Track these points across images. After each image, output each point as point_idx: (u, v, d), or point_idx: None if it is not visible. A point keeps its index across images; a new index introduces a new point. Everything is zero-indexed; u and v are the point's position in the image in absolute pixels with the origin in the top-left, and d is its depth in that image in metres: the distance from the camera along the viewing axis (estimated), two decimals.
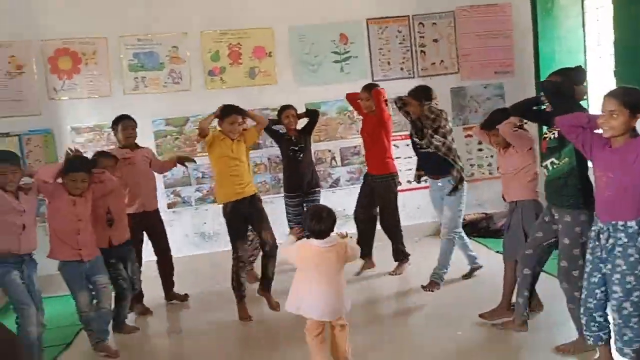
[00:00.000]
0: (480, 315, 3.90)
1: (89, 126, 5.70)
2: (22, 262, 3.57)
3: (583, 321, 2.96)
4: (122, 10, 5.71)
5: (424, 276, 4.67)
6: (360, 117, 5.47)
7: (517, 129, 3.74)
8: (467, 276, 4.84)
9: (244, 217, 4.41)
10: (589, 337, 2.96)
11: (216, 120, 4.48)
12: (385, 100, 5.05)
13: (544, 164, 3.38)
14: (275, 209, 6.06)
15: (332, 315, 3.22)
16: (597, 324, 2.91)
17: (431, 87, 4.83)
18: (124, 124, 4.63)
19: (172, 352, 4.19)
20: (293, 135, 5.24)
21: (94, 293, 3.95)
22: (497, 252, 4.84)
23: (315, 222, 3.18)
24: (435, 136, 4.47)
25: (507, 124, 3.70)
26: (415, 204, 6.46)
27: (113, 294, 4.20)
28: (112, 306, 4.16)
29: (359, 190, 5.36)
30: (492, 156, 6.55)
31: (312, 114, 5.39)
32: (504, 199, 4.02)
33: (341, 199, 6.25)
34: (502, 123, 3.72)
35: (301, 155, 5.24)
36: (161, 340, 4.38)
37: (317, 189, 5.41)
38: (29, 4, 5.51)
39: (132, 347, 4.13)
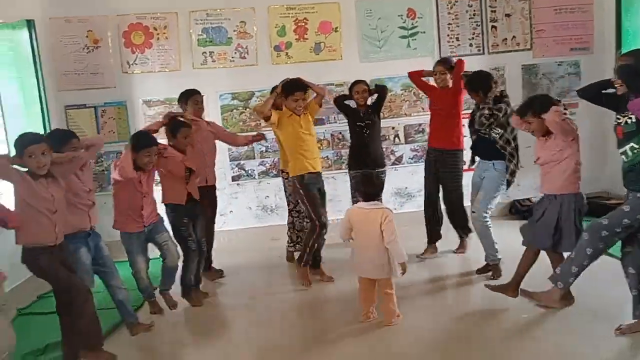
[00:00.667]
0: (486, 285, 4.03)
1: (160, 99, 5.89)
2: (88, 235, 3.68)
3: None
4: None
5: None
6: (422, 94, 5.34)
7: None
8: (482, 271, 4.58)
9: (317, 188, 4.60)
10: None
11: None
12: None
13: (622, 149, 3.23)
14: (337, 185, 6.11)
15: (373, 273, 3.66)
16: None
17: (490, 72, 4.63)
18: (194, 98, 4.72)
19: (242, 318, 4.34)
20: (362, 111, 5.19)
21: (159, 253, 4.17)
22: None
23: (365, 185, 3.77)
24: (495, 129, 4.31)
25: (554, 112, 3.51)
26: None
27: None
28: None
29: (424, 174, 5.20)
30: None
31: (381, 90, 5.29)
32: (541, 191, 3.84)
33: (404, 176, 6.20)
34: (548, 112, 3.53)
35: (368, 132, 5.16)
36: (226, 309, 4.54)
37: (382, 170, 5.28)
38: None
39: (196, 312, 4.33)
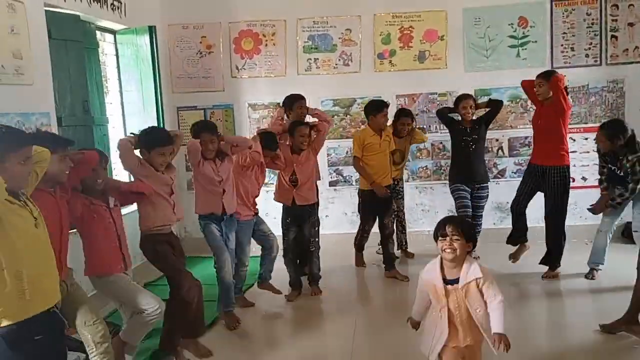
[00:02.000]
0: (601, 327, 3.62)
1: (264, 103, 6.09)
2: (222, 219, 4.01)
3: None
4: None
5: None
6: (534, 107, 5.14)
7: None
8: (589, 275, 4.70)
9: (377, 203, 4.93)
10: None
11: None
12: (565, 88, 4.66)
13: None
14: (434, 196, 6.01)
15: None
16: None
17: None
18: (299, 103, 4.80)
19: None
20: (468, 126, 5.11)
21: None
22: None
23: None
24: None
25: None
26: (589, 202, 5.89)
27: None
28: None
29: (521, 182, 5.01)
30: None
31: (496, 105, 5.18)
32: None
33: (505, 190, 5.91)
34: None
35: (473, 147, 5.10)
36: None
37: (485, 185, 5.22)
38: None
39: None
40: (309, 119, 4.87)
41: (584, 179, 5.92)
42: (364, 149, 4.82)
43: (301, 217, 4.60)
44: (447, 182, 5.51)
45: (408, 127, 5.21)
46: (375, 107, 4.82)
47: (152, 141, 3.42)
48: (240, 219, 4.21)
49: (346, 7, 5.97)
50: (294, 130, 4.51)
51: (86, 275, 3.15)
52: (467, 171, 5.12)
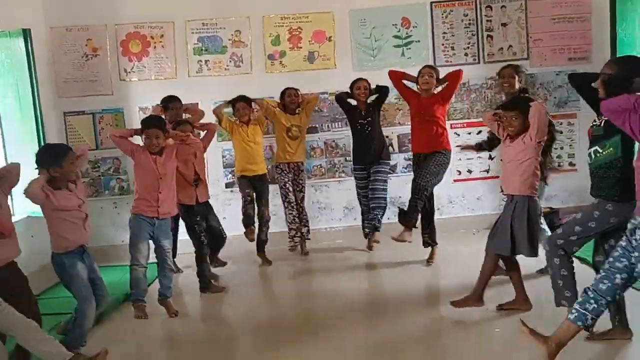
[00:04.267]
0: (452, 303, 3.84)
1: None
2: (83, 252, 3.63)
3: (582, 297, 2.86)
4: None
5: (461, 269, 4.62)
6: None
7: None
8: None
9: (252, 185, 5.42)
10: (574, 312, 2.85)
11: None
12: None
13: (588, 151, 3.24)
14: (330, 193, 6.14)
15: None
16: (595, 306, 2.79)
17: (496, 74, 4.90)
18: (174, 104, 4.92)
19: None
20: (362, 109, 5.40)
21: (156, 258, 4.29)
22: None
23: None
24: None
25: (541, 104, 3.73)
26: (476, 194, 6.25)
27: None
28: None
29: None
30: (561, 148, 6.20)
31: (382, 91, 5.45)
32: (502, 191, 3.99)
33: (398, 186, 6.14)
34: (536, 102, 3.70)
35: (369, 129, 5.39)
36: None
37: (385, 162, 5.48)
38: None
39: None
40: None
41: (469, 171, 6.23)
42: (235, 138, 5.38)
43: (205, 210, 4.90)
44: (340, 179, 6.03)
45: (296, 98, 5.47)
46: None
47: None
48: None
49: (234, 8, 5.98)
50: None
51: None
52: (365, 152, 5.43)
